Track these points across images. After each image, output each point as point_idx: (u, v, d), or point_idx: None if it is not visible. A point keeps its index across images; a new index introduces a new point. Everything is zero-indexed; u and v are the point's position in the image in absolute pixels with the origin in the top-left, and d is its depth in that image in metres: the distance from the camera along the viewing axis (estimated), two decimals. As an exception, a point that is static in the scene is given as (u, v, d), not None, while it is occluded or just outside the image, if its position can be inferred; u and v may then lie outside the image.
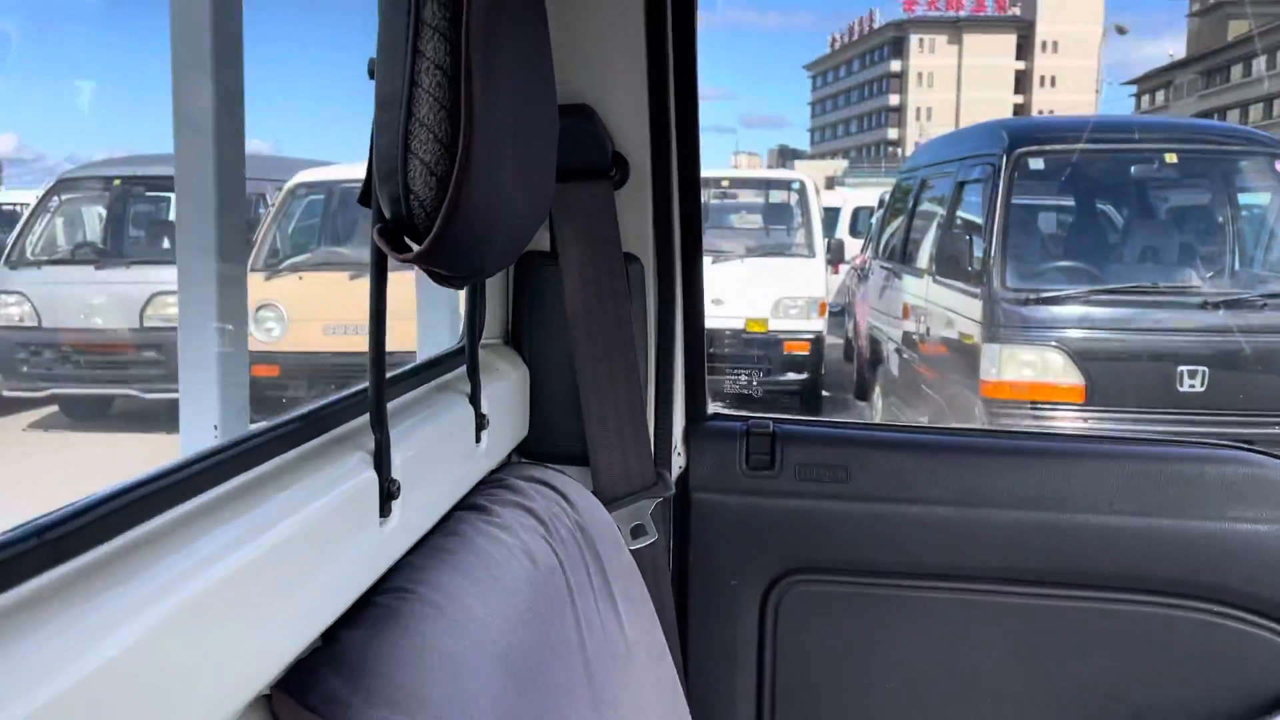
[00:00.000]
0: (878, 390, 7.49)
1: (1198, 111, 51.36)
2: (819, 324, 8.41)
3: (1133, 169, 5.86)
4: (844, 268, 10.66)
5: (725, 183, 9.90)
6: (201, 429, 0.93)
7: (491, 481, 1.09)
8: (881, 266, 7.99)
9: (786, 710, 1.40)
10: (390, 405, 0.88)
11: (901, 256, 7.33)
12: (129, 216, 8.12)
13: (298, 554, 0.70)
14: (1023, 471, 1.36)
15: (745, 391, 8.23)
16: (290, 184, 7.53)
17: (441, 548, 0.90)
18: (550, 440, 1.27)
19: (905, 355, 6.67)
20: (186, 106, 0.99)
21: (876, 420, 7.39)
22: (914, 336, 6.46)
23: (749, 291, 8.33)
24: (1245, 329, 4.86)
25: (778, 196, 9.84)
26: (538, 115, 0.85)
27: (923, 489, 1.36)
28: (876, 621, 1.39)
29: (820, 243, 8.86)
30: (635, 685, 1.06)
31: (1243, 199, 5.90)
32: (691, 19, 1.28)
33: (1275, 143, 5.83)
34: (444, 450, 0.99)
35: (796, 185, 9.48)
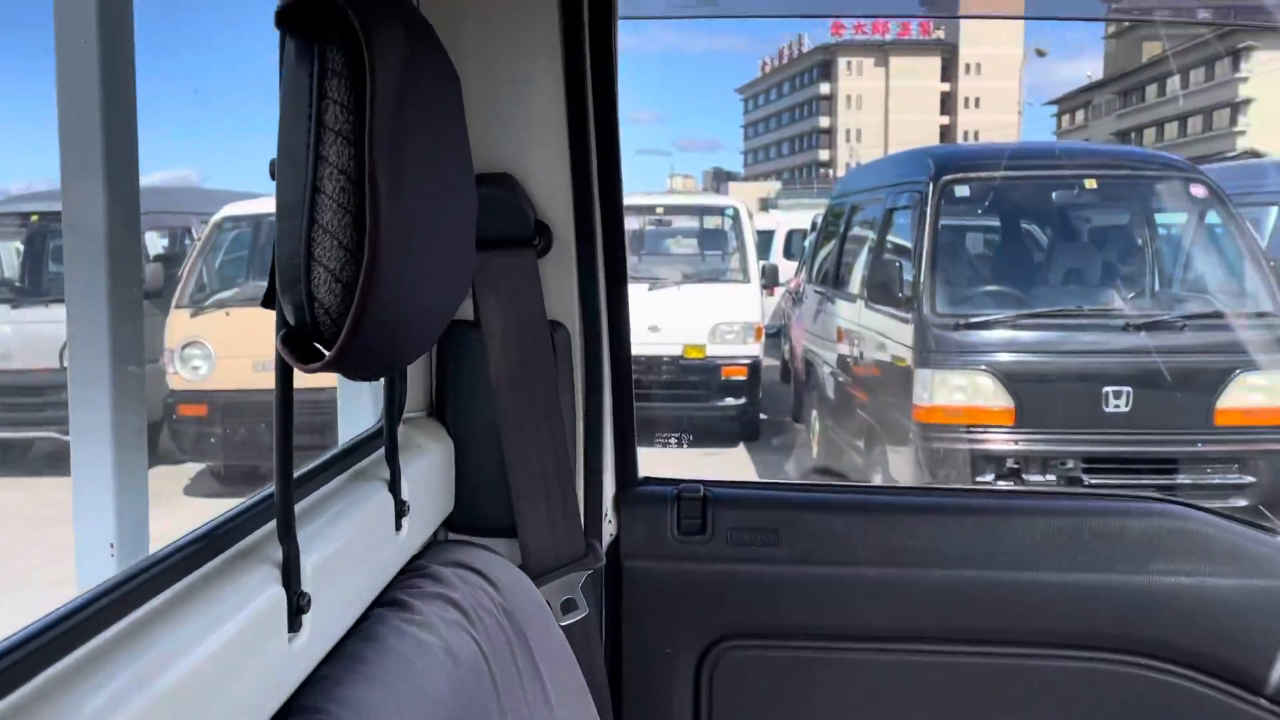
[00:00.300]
0: (814, 413, 7.56)
1: (1115, 130, 53.07)
2: (755, 349, 8.50)
3: (1054, 194, 6.02)
4: (780, 289, 10.79)
5: (660, 210, 9.96)
6: (97, 549, 0.87)
7: (413, 570, 1.05)
8: (815, 290, 8.09)
9: None
10: (303, 504, 0.84)
11: (834, 281, 7.43)
12: (48, 253, 7.88)
13: (201, 688, 0.66)
14: (950, 529, 1.37)
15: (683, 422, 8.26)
16: (216, 217, 7.38)
17: (357, 657, 0.86)
18: (478, 514, 1.25)
19: (840, 379, 6.74)
20: (71, 138, 0.93)
21: (813, 455, 7.44)
22: (848, 360, 6.54)
23: (686, 318, 8.39)
24: (1166, 350, 5.00)
25: (712, 222, 9.94)
26: (453, 198, 0.82)
27: (853, 550, 1.37)
28: (811, 685, 1.39)
29: (755, 268, 8.96)
30: None
31: (1160, 222, 6.09)
32: (612, 88, 1.28)
33: (1190, 167, 6.03)
34: (361, 546, 0.95)
35: (730, 211, 9.57)
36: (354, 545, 0.93)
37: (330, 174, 0.67)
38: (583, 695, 1.13)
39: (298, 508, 0.85)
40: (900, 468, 5.42)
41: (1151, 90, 52.91)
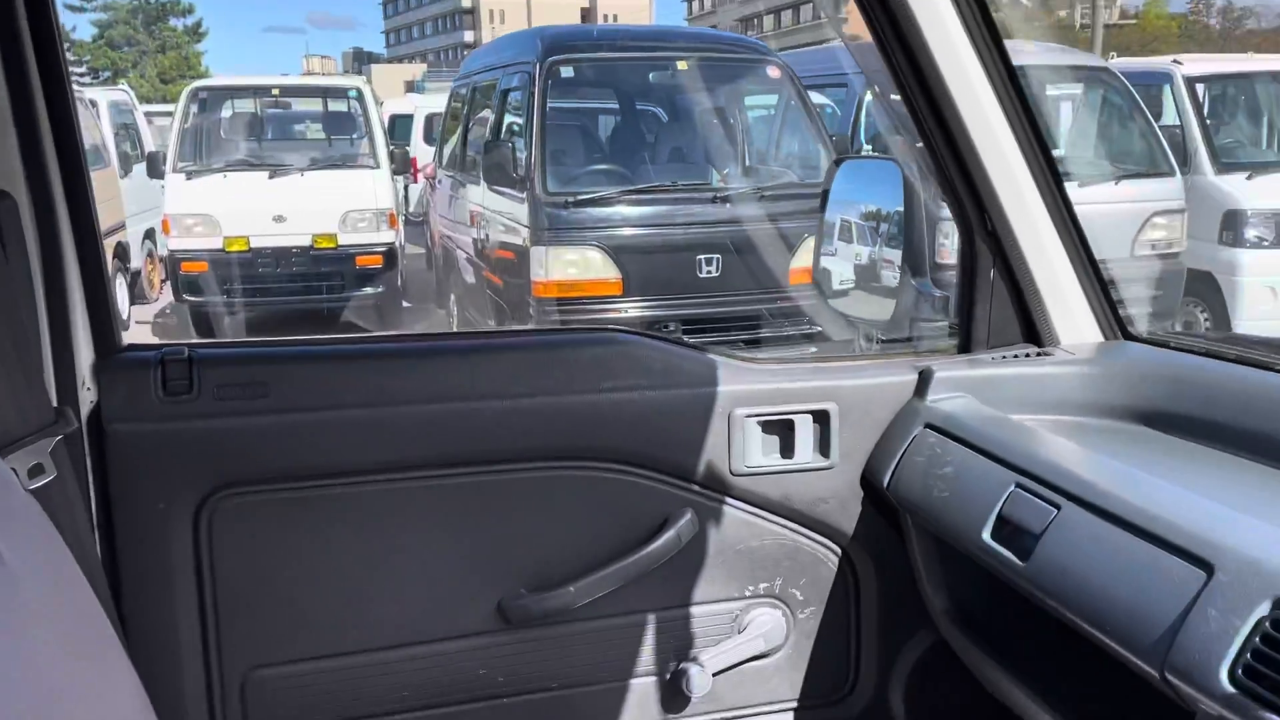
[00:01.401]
0: (452, 298, 7.65)
1: (740, 16, 56.27)
2: (390, 235, 8.36)
3: (652, 75, 6.38)
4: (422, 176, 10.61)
5: (276, 91, 9.37)
6: None
7: None
8: (446, 175, 8.07)
9: (230, 620, 1.47)
10: None
11: (461, 165, 7.45)
12: None
13: None
14: (430, 369, 1.50)
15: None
16: None
17: None
18: None
19: (473, 262, 6.86)
20: None
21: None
22: (478, 243, 6.66)
23: (314, 206, 8.07)
24: (747, 219, 5.56)
25: (336, 105, 9.50)
26: None
27: (339, 396, 1.46)
28: (307, 524, 1.48)
29: (384, 152, 8.73)
30: (33, 625, 1.02)
31: (748, 103, 6.65)
32: None
33: (768, 50, 6.61)
34: None
35: (354, 93, 9.20)
36: None
37: None
38: (55, 551, 1.13)
39: None
40: (525, 343, 5.67)
41: (770, -23, 56.39)
